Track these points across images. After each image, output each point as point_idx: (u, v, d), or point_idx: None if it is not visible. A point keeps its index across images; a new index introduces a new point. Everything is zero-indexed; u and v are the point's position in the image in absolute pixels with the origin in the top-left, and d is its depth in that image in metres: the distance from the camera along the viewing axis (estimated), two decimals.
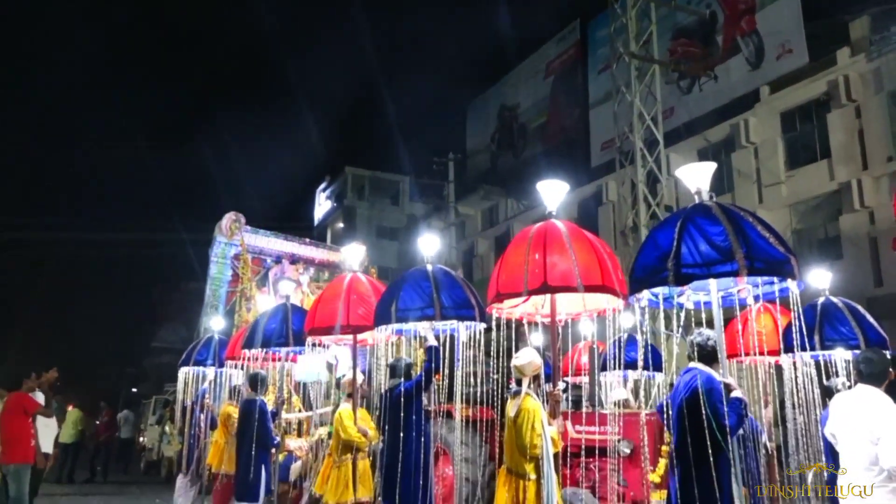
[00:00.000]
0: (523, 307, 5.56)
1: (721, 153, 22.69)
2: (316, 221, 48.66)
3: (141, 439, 19.42)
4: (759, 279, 4.44)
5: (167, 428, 15.61)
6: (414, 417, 5.70)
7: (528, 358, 4.99)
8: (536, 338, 9.48)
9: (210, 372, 10.25)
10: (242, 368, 10.16)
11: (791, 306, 4.89)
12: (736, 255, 3.92)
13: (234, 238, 14.15)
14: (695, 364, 4.23)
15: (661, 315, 5.09)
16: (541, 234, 5.10)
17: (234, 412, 9.38)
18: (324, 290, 7.15)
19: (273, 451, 7.92)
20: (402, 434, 5.63)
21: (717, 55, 23.94)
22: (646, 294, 4.34)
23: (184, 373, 10.54)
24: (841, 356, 6.72)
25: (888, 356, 4.76)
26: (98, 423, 17.58)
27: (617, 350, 8.32)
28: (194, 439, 9.95)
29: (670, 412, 4.22)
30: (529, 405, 4.76)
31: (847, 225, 18.57)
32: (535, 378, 4.97)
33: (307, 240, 16.52)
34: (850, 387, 6.35)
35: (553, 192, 5.47)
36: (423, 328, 5.97)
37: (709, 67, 23.51)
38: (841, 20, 20.05)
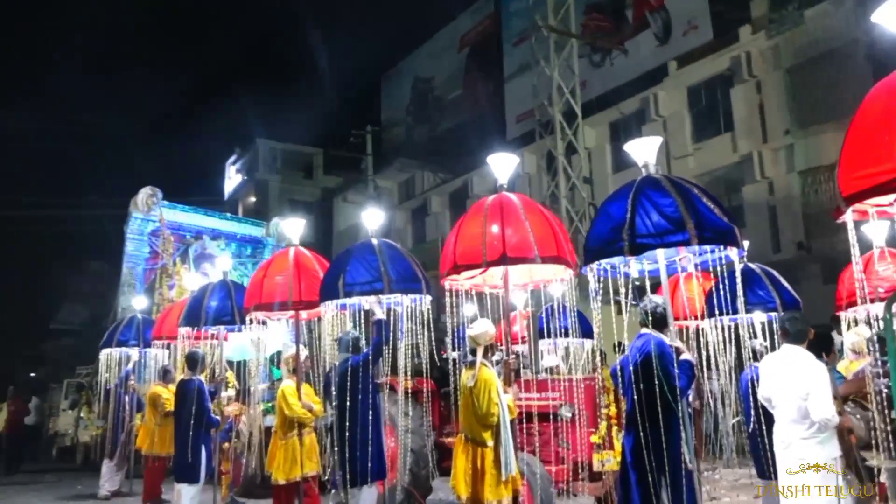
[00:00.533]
0: (473, 279, 5.65)
1: (632, 126, 23.44)
2: (226, 195, 47.23)
3: (50, 425, 18.58)
4: (697, 248, 4.69)
5: (83, 413, 15.01)
6: (364, 391, 5.74)
7: (483, 328, 5.11)
8: (469, 308, 9.70)
9: (134, 353, 9.93)
10: (168, 348, 9.92)
11: (724, 272, 5.20)
12: (687, 226, 4.13)
13: (150, 213, 13.62)
14: (647, 330, 4.45)
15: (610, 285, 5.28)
16: (496, 206, 5.19)
17: (163, 392, 9.17)
18: (267, 265, 7.02)
19: (212, 430, 7.77)
20: (353, 407, 5.65)
21: (628, 30, 24.59)
22: (601, 264, 4.51)
23: (106, 354, 10.17)
24: (759, 318, 7.18)
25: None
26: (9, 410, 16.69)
27: (549, 318, 8.58)
28: (119, 422, 9.65)
29: (623, 376, 4.43)
30: (486, 375, 4.89)
31: (749, 195, 19.59)
32: (490, 348, 5.09)
33: (228, 214, 16.11)
34: (767, 346, 6.84)
35: (503, 164, 5.55)
36: (370, 302, 5.99)
37: (620, 42, 24.13)
38: None
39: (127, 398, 9.70)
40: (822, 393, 4.41)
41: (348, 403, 5.65)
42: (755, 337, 7.08)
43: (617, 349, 6.88)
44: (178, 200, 15.40)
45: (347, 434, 5.56)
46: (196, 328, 7.89)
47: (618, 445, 6.34)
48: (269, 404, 9.51)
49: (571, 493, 6.70)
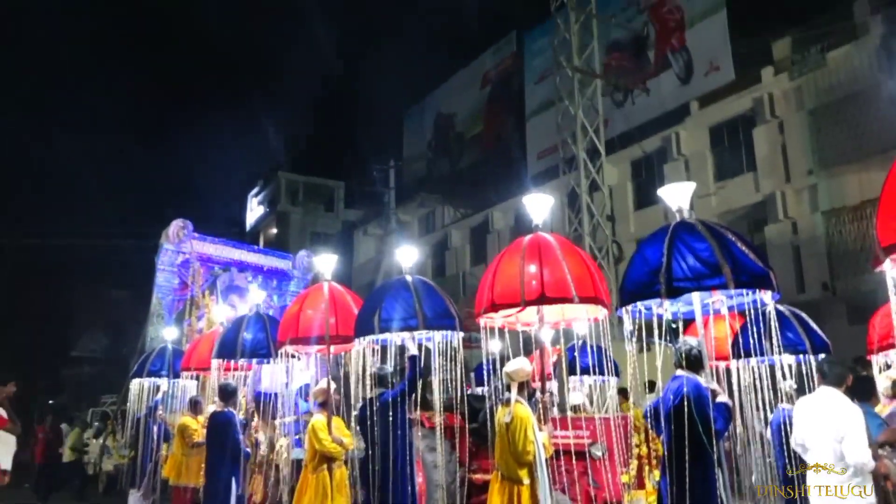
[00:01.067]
0: (508, 317, 5.76)
1: (654, 164, 23.62)
2: (248, 227, 47.91)
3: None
4: (733, 291, 4.76)
5: (108, 441, 15.12)
6: (399, 425, 5.83)
7: (518, 365, 5.20)
8: (494, 344, 9.77)
9: (163, 383, 10.07)
10: (197, 379, 10.06)
11: (752, 314, 5.27)
12: (723, 270, 4.23)
13: (181, 245, 13.88)
14: (682, 371, 4.52)
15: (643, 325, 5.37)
16: (534, 246, 5.32)
17: (192, 423, 9.28)
18: (302, 299, 7.17)
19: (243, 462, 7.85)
20: (388, 441, 5.73)
21: (649, 69, 24.88)
22: (637, 305, 4.61)
23: (136, 383, 10.32)
24: (787, 361, 7.19)
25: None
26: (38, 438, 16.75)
27: (574, 356, 8.66)
28: (147, 452, 9.75)
29: (659, 417, 4.49)
30: (521, 412, 4.97)
31: (772, 234, 19.57)
32: (524, 385, 5.17)
33: (255, 247, 16.37)
34: (796, 389, 6.86)
35: (538, 204, 5.68)
36: (404, 337, 6.10)
37: (642, 81, 24.40)
38: (765, 40, 21.16)
39: (155, 428, 9.82)
40: (858, 435, 4.44)
41: (384, 437, 5.73)
42: (785, 379, 7.10)
43: (647, 389, 6.94)
44: (203, 232, 15.69)
45: (383, 467, 5.64)
46: (231, 360, 8.03)
47: (649, 485, 6.37)
48: (297, 436, 9.59)
49: None
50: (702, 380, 4.43)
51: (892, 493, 4.80)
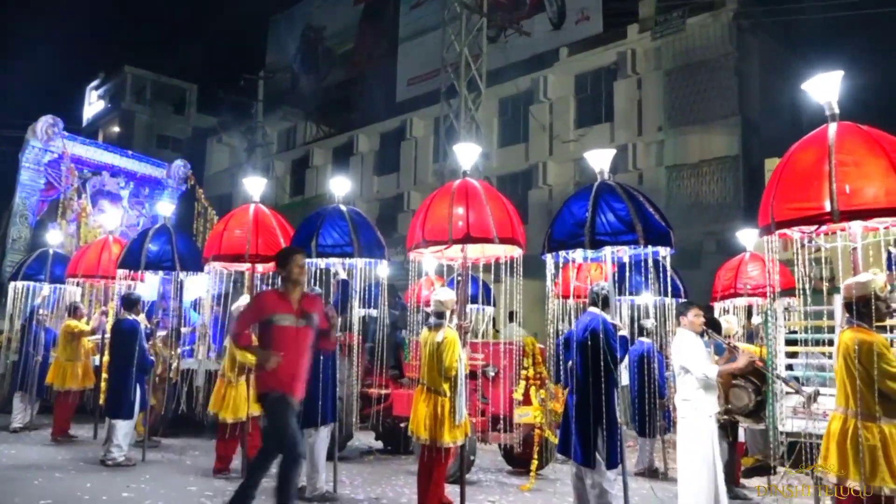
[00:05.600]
0: (435, 252, 6.36)
1: (521, 104, 24.71)
2: (85, 121, 44.36)
3: None
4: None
5: None
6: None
7: (449, 294, 5.88)
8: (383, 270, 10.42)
9: (46, 288, 9.83)
10: (78, 286, 9.93)
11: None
12: (636, 228, 5.06)
13: (49, 144, 13.05)
14: (594, 309, 5.38)
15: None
16: (462, 190, 5.90)
17: (77, 324, 9.28)
18: (227, 218, 7.36)
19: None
20: (317, 356, 6.22)
21: (524, 9, 25.62)
22: (560, 253, 5.39)
23: (14, 287, 9.98)
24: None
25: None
26: None
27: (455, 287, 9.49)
28: (29, 357, 9.58)
29: (570, 346, 5.36)
30: (451, 335, 5.67)
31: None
32: (453, 311, 5.87)
33: (129, 152, 15.60)
34: (655, 325, 8.14)
35: (468, 153, 6.26)
36: (335, 263, 6.56)
37: (516, 20, 25.10)
38: None
39: (42, 333, 9.63)
40: (694, 357, 5.71)
41: (312, 354, 6.22)
42: (647, 317, 8.33)
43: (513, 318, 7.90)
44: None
45: (312, 380, 6.14)
46: (134, 271, 8.07)
47: (535, 402, 7.38)
48: (188, 347, 9.81)
49: (487, 441, 7.71)
50: (608, 317, 5.32)
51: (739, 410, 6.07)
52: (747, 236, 8.49)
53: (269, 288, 6.03)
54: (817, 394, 5.13)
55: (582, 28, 23.80)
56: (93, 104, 44.83)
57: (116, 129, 41.60)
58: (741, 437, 7.22)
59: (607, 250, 5.36)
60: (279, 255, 5.32)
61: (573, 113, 23.39)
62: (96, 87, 44.56)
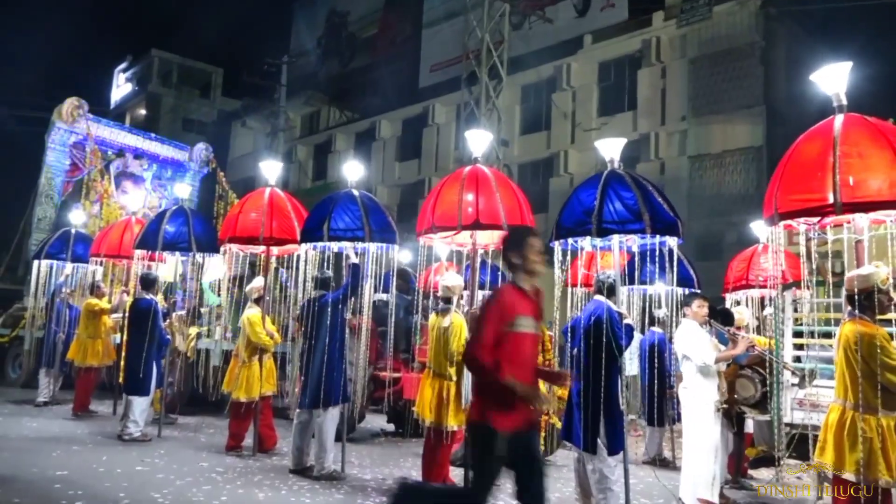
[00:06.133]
0: (445, 238, 6.43)
1: (543, 91, 24.57)
2: (112, 104, 44.93)
3: None
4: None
5: None
6: (337, 325, 6.45)
7: (457, 280, 5.94)
8: (405, 255, 10.47)
9: (68, 267, 10.06)
10: (101, 266, 10.14)
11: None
12: (644, 217, 5.08)
13: (75, 125, 13.29)
14: (599, 297, 5.42)
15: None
16: (472, 177, 5.95)
17: (98, 301, 9.49)
18: (244, 201, 7.48)
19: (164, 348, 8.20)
20: (326, 338, 6.35)
21: None
22: (569, 240, 5.43)
23: (38, 266, 10.22)
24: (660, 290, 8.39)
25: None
26: None
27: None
28: (54, 334, 9.83)
29: (576, 333, 5.41)
30: (458, 320, 5.75)
31: (642, 171, 20.93)
32: (461, 297, 5.94)
33: (152, 134, 15.82)
34: (667, 315, 8.12)
35: (478, 140, 6.30)
36: (346, 246, 6.64)
37: (540, 7, 24.93)
38: None
39: (66, 310, 9.86)
40: (695, 344, 5.75)
41: (322, 335, 6.34)
42: (659, 307, 8.33)
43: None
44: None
45: (321, 361, 6.27)
46: (151, 252, 8.23)
47: (543, 389, 7.41)
48: (205, 328, 9.99)
49: None
50: (614, 305, 5.35)
51: (742, 401, 6.08)
52: (761, 227, 8.44)
53: (506, 282, 3.85)
54: (812, 374, 5.15)
55: (607, 15, 23.58)
56: (120, 87, 45.38)
57: (143, 111, 42.10)
58: (749, 427, 7.22)
59: (615, 239, 5.40)
60: (511, 234, 3.99)
61: (596, 101, 23.21)
62: (124, 70, 45.06)
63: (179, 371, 8.96)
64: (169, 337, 8.28)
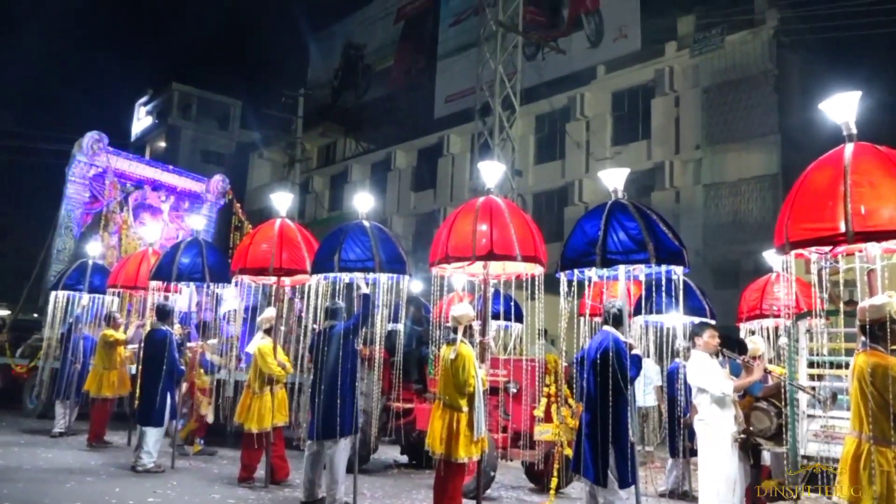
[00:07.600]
0: (458, 268, 6.45)
1: (557, 121, 24.72)
2: (133, 136, 45.73)
3: None
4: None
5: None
6: (349, 355, 6.45)
7: (464, 310, 5.93)
8: (416, 286, 10.46)
9: (85, 298, 10.16)
10: (118, 296, 10.24)
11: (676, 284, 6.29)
12: (648, 247, 5.08)
13: (95, 158, 13.55)
14: (607, 327, 5.39)
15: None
16: (486, 207, 6.00)
17: (114, 332, 9.56)
18: (254, 233, 7.56)
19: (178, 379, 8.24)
20: (336, 369, 6.34)
21: (562, 27, 25.73)
22: (575, 271, 5.43)
23: (55, 297, 10.34)
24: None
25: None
26: None
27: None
28: (69, 365, 9.91)
29: (584, 364, 5.37)
30: (465, 350, 5.72)
31: (657, 200, 21.19)
32: (468, 327, 5.92)
33: (170, 166, 16.07)
34: (689, 348, 8.04)
35: (491, 171, 6.35)
36: (357, 277, 6.67)
37: (553, 38, 25.17)
38: (672, 16, 22.38)
39: (82, 342, 9.95)
40: (708, 376, 5.75)
41: (333, 365, 6.34)
42: (677, 338, 8.24)
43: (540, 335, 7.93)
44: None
45: (332, 392, 6.26)
46: (166, 283, 8.32)
47: (556, 419, 7.36)
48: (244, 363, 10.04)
49: (509, 458, 7.71)
50: (621, 335, 5.32)
51: (757, 434, 5.98)
52: (774, 257, 8.37)
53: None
54: (835, 396, 5.08)
55: (620, 46, 23.78)
56: (141, 120, 46.16)
57: (163, 143, 42.74)
58: (766, 460, 7.09)
59: (621, 269, 5.39)
60: None
61: (610, 130, 23.31)
62: (144, 104, 45.87)
63: (207, 401, 8.99)
64: (183, 368, 8.32)
